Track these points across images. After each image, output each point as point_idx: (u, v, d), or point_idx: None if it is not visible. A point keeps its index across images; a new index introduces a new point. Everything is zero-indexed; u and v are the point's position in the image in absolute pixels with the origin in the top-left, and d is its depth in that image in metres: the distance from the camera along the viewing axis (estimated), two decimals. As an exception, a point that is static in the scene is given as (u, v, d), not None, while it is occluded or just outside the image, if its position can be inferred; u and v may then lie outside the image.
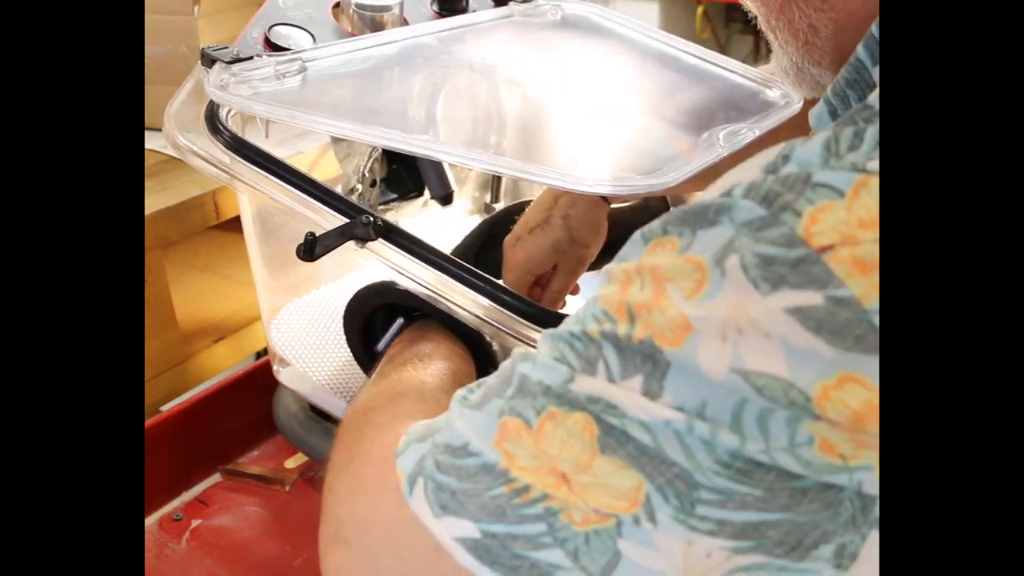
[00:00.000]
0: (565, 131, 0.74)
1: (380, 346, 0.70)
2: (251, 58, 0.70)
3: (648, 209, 0.88)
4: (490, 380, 0.45)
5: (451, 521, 0.42)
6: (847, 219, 0.36)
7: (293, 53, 0.71)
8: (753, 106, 0.73)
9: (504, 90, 0.79)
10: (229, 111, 0.71)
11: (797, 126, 0.71)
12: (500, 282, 0.66)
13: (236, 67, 0.68)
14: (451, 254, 0.67)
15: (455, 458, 0.42)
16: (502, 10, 0.88)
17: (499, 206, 1.03)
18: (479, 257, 0.81)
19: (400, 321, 0.69)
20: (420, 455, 0.44)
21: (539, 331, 0.63)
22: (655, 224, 0.41)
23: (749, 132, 0.66)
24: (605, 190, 0.60)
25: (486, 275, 0.65)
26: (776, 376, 0.36)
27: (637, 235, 0.41)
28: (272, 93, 0.67)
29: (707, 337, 0.37)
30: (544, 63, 0.84)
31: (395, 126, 0.64)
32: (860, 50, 0.45)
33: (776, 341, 0.36)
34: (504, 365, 0.45)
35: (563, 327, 0.42)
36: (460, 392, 0.46)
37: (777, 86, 0.76)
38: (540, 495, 0.40)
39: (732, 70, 0.80)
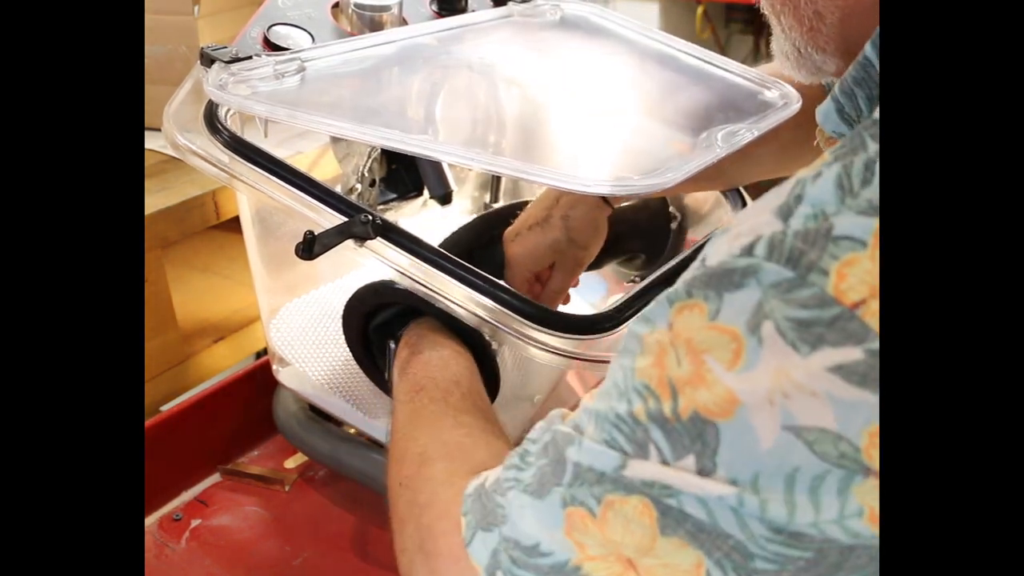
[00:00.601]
0: (564, 131, 0.74)
1: (387, 375, 0.70)
2: (250, 58, 0.70)
3: (648, 208, 0.88)
4: (537, 457, 0.45)
5: None
6: (872, 270, 0.36)
7: (292, 53, 0.71)
8: (751, 107, 0.73)
9: (503, 90, 0.79)
10: (228, 111, 0.71)
11: (797, 125, 0.71)
12: (500, 281, 0.66)
13: (235, 67, 0.68)
14: (440, 246, 0.67)
15: (528, 557, 0.43)
16: (501, 10, 0.88)
17: (499, 206, 1.03)
18: (478, 255, 0.81)
19: (392, 347, 0.69)
20: (492, 548, 0.45)
21: (539, 330, 0.63)
22: (679, 287, 0.41)
23: (747, 132, 0.66)
24: (604, 190, 0.60)
25: (485, 274, 0.65)
26: (826, 429, 0.36)
27: (662, 297, 0.41)
28: (271, 93, 0.67)
29: (755, 408, 0.37)
30: (543, 63, 0.84)
31: (394, 126, 0.64)
32: (868, 48, 0.45)
33: (823, 398, 0.36)
34: (545, 440, 0.45)
35: (604, 403, 0.42)
36: (511, 471, 0.46)
37: (776, 87, 0.76)
38: None
39: (730, 70, 0.80)
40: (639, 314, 0.43)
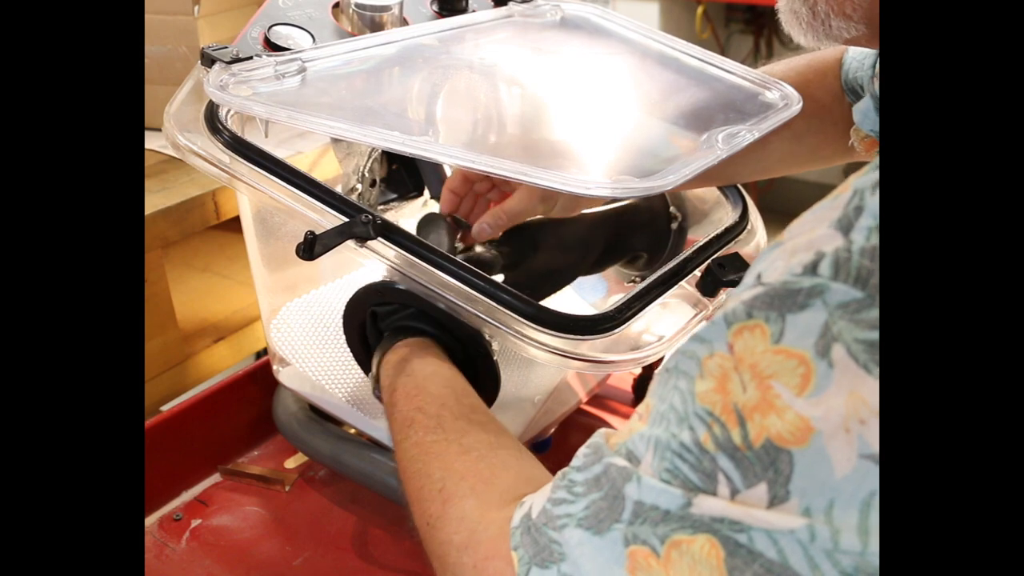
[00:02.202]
0: (564, 132, 0.74)
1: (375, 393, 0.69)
2: (251, 58, 0.70)
3: (649, 209, 0.88)
4: (588, 488, 0.44)
5: None
6: None
7: (292, 53, 0.71)
8: (752, 108, 0.73)
9: (503, 91, 0.79)
10: (228, 111, 0.71)
11: (806, 119, 0.71)
12: (500, 282, 0.66)
13: (236, 67, 0.68)
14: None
15: None
16: (502, 10, 0.88)
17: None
18: (514, 267, 0.79)
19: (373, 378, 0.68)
20: None
21: (539, 330, 0.63)
22: (738, 306, 0.39)
23: (748, 134, 0.66)
24: (604, 192, 0.60)
25: (485, 274, 0.65)
26: None
27: (719, 318, 0.40)
28: (271, 93, 0.67)
29: (830, 435, 0.36)
30: (543, 64, 0.84)
31: (395, 127, 0.64)
32: None
33: None
34: (596, 472, 0.44)
35: (663, 429, 0.41)
36: (561, 506, 0.45)
37: (776, 87, 0.76)
38: None
39: (731, 71, 0.80)
40: (694, 334, 0.42)
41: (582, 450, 0.46)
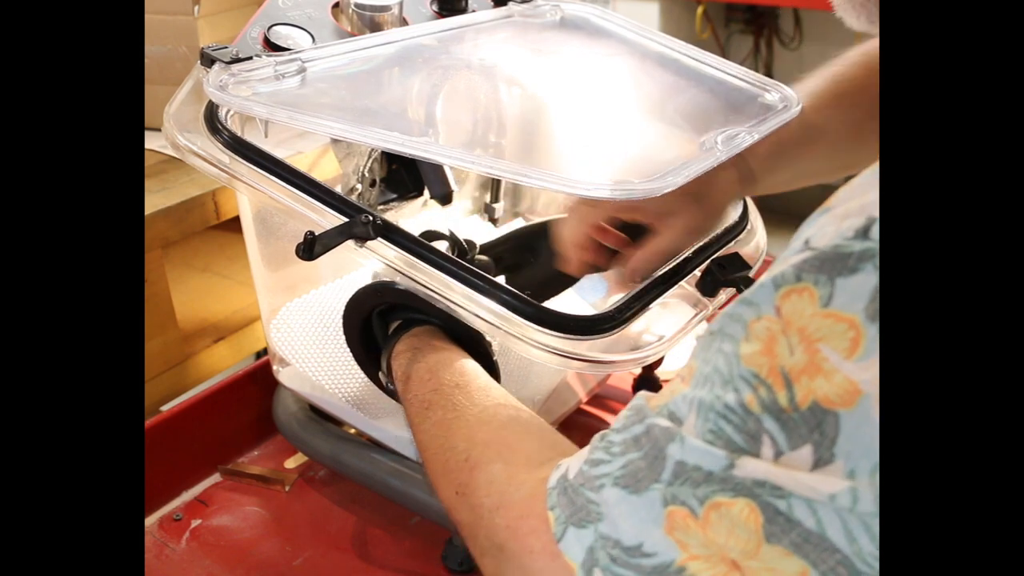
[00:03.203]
0: (564, 134, 0.73)
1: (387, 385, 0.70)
2: (250, 58, 0.70)
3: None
4: (625, 447, 0.44)
5: None
6: None
7: (292, 53, 0.71)
8: (752, 110, 0.73)
9: (503, 92, 0.79)
10: (228, 111, 0.71)
11: (850, 124, 0.70)
12: (500, 282, 0.66)
13: (235, 67, 0.68)
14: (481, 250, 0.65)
15: (630, 557, 0.42)
16: (501, 10, 0.88)
17: (499, 206, 1.03)
18: (516, 271, 0.78)
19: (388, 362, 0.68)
20: (587, 545, 0.44)
21: (539, 330, 0.63)
22: (787, 270, 0.39)
23: (747, 136, 0.66)
24: (603, 194, 0.60)
25: (485, 275, 0.65)
26: None
27: (767, 280, 0.40)
28: (271, 94, 0.67)
29: (878, 397, 0.36)
30: (543, 64, 0.84)
31: (394, 128, 0.64)
32: None
33: None
34: (637, 431, 0.44)
35: (707, 391, 0.41)
36: (598, 466, 0.45)
37: (776, 89, 0.76)
38: None
39: (731, 73, 0.80)
40: (740, 297, 0.42)
41: (623, 412, 0.46)
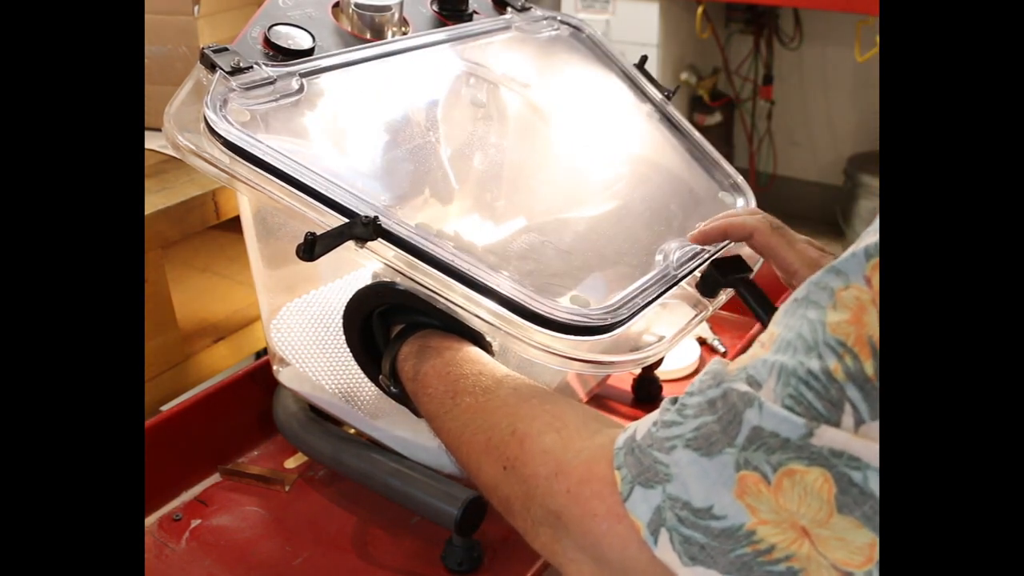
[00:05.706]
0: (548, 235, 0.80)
1: (390, 386, 0.69)
2: (251, 67, 0.70)
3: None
4: (699, 410, 0.44)
5: (700, 571, 0.42)
6: None
7: (292, 66, 0.72)
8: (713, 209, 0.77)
9: (481, 169, 0.87)
10: (228, 112, 0.72)
11: None
12: (500, 282, 0.66)
13: (235, 81, 0.69)
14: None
15: (699, 518, 0.42)
16: (501, 20, 0.89)
17: (499, 205, 1.03)
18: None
19: (392, 362, 0.68)
20: (655, 505, 0.44)
21: (539, 331, 0.63)
22: (880, 240, 0.39)
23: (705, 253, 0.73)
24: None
25: (485, 275, 0.65)
26: None
27: (860, 250, 0.40)
28: (267, 114, 0.70)
29: None
30: (527, 133, 0.90)
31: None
32: None
33: None
34: (712, 395, 0.44)
35: (790, 357, 0.41)
36: (669, 428, 0.45)
37: (738, 194, 0.84)
38: (784, 555, 0.40)
39: (701, 157, 0.88)
40: (829, 266, 0.41)
41: (699, 376, 0.46)
